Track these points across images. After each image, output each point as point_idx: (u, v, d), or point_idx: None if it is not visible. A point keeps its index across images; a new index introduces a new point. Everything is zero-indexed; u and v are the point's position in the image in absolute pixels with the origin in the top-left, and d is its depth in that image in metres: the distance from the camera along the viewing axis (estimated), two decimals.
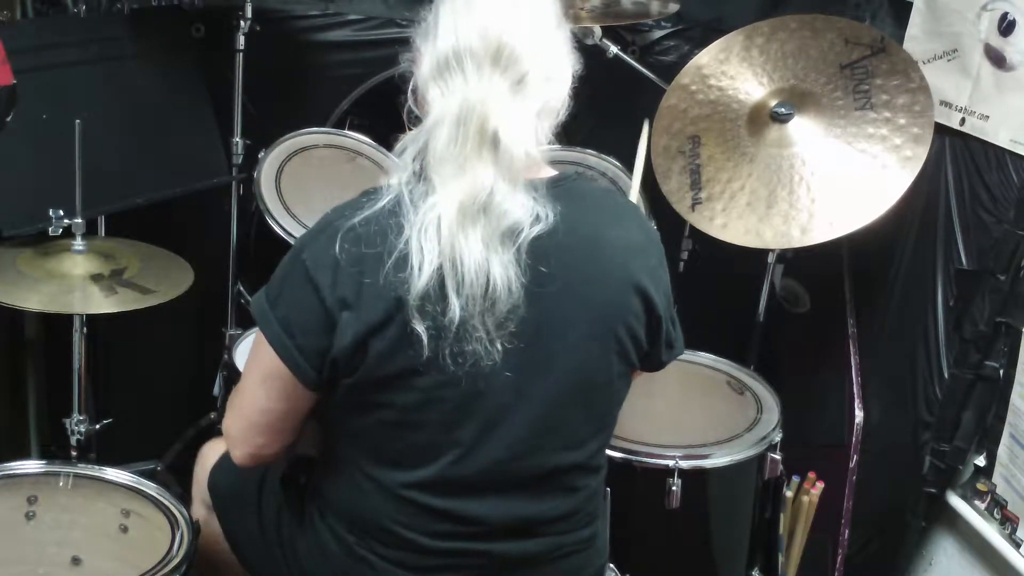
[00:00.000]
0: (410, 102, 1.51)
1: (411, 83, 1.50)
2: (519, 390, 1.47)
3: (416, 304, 1.39)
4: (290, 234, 2.47)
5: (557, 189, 1.47)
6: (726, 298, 2.76)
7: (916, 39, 2.40)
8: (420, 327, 1.40)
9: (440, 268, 1.39)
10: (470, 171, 1.41)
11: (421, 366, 1.42)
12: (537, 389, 1.48)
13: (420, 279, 1.39)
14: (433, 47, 1.47)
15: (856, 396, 2.54)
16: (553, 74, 1.49)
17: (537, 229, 1.42)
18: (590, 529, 1.63)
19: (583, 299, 1.48)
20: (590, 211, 1.53)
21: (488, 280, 1.39)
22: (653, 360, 1.62)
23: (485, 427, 1.48)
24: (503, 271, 1.40)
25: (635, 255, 1.53)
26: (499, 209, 1.40)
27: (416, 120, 1.49)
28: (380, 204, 1.44)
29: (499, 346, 1.42)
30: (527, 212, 1.42)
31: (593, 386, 1.53)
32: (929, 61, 2.35)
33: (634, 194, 2.30)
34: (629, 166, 2.48)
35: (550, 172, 1.53)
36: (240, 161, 2.65)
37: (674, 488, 2.04)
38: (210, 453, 1.88)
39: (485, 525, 1.53)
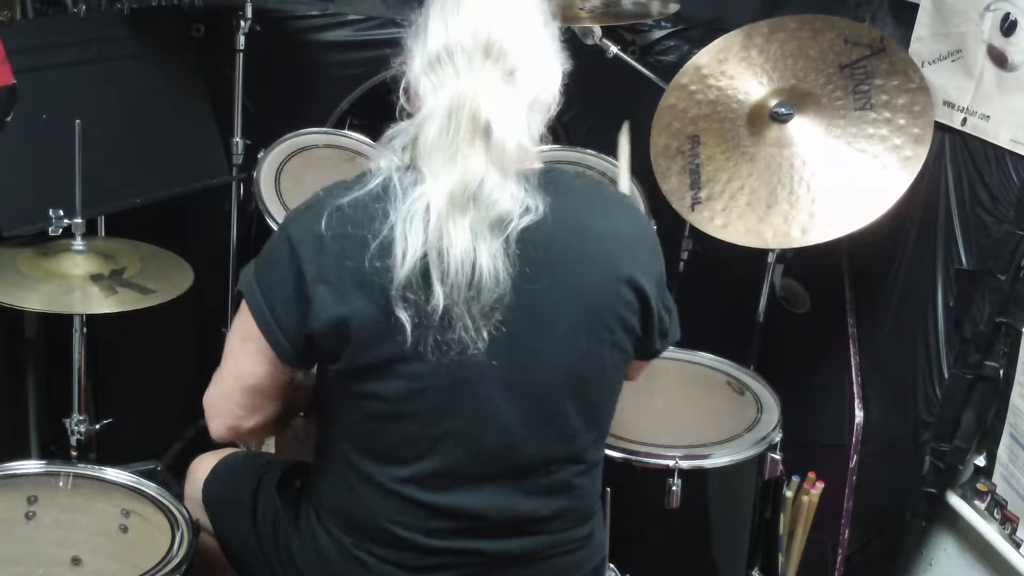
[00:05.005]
0: (402, 100, 1.51)
1: (402, 82, 1.51)
2: (508, 380, 1.46)
3: (398, 292, 1.39)
4: None
5: (548, 180, 1.47)
6: (726, 298, 2.76)
7: (922, 39, 2.40)
8: (403, 315, 1.40)
9: (424, 257, 1.39)
10: (461, 160, 1.41)
11: (405, 354, 1.43)
12: (527, 380, 1.48)
13: (403, 268, 1.39)
14: (424, 45, 1.48)
15: (856, 396, 2.54)
16: (543, 70, 1.50)
17: (527, 220, 1.41)
18: (586, 527, 1.62)
19: (572, 291, 1.48)
20: (580, 203, 1.53)
21: (474, 269, 1.39)
22: (647, 349, 1.61)
23: (475, 417, 1.47)
24: (490, 260, 1.40)
25: (625, 246, 1.53)
26: (489, 199, 1.40)
27: (408, 118, 1.49)
28: (369, 187, 1.45)
29: (484, 335, 1.41)
30: (517, 202, 1.42)
31: (585, 377, 1.52)
32: (935, 62, 2.35)
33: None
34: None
35: (541, 164, 1.53)
36: (240, 161, 2.65)
37: (674, 488, 2.04)
38: (199, 468, 1.88)
39: (481, 520, 1.52)
